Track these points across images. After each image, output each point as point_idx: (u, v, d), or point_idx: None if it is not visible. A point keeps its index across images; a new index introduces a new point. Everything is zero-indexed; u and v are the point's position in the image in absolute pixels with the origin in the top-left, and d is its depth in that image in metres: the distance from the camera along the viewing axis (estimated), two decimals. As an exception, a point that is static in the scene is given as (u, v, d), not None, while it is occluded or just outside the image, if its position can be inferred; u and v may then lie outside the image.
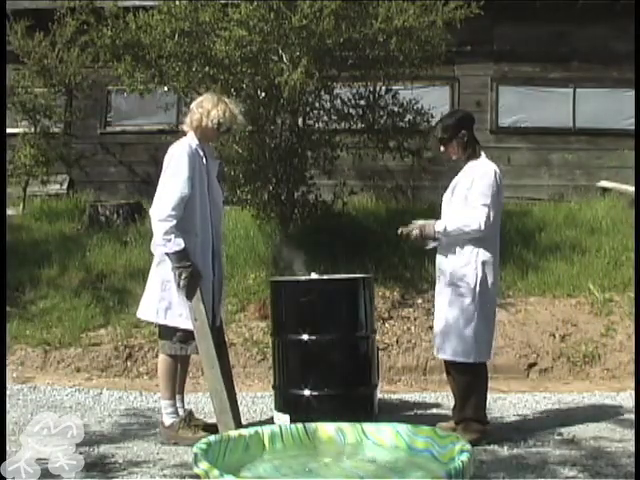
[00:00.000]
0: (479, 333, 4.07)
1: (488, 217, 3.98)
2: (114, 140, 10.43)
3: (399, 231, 4.16)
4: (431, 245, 4.21)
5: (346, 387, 4.11)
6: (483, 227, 3.97)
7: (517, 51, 9.74)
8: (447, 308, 4.10)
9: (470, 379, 4.12)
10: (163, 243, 3.98)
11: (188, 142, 4.14)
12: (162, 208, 3.99)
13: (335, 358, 4.12)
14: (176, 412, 4.21)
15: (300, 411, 4.00)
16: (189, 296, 4.01)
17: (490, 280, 4.09)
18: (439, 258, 4.21)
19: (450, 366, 4.21)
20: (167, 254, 4.00)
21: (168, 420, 4.17)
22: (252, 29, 6.50)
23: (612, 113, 9.76)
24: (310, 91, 7.03)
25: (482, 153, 4.19)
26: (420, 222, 4.13)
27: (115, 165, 10.37)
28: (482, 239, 4.05)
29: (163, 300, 4.12)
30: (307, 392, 4.08)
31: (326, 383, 4.08)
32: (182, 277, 3.97)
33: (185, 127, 4.25)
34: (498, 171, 4.10)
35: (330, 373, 4.11)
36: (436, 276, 4.28)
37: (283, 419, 4.09)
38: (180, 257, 3.97)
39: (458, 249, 4.08)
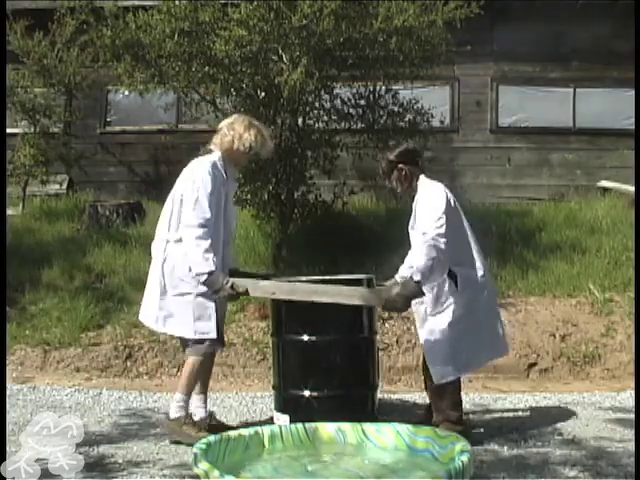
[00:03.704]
0: (464, 350, 4.08)
1: (440, 236, 3.88)
2: (114, 140, 10.43)
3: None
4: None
5: (346, 388, 4.08)
6: (443, 247, 3.87)
7: (517, 51, 9.74)
8: (434, 335, 4.08)
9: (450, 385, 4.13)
10: (200, 263, 3.90)
11: (215, 160, 4.11)
12: (198, 221, 3.93)
13: (335, 359, 4.10)
14: (185, 408, 4.16)
15: (300, 412, 3.97)
16: (244, 294, 3.99)
17: (470, 293, 4.07)
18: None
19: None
20: (204, 280, 3.93)
21: (175, 413, 4.12)
22: (252, 29, 6.49)
23: (612, 113, 9.77)
24: (310, 91, 7.03)
25: (423, 178, 4.17)
26: (393, 287, 4.01)
27: (115, 165, 10.38)
28: (452, 257, 4.00)
29: (162, 309, 4.11)
30: (307, 393, 4.06)
31: (326, 384, 4.06)
32: (223, 296, 3.99)
33: (213, 147, 4.20)
34: (442, 192, 4.04)
35: (330, 374, 4.08)
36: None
37: (283, 420, 4.06)
38: (217, 278, 3.91)
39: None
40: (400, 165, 4.17)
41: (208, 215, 3.94)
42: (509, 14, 9.32)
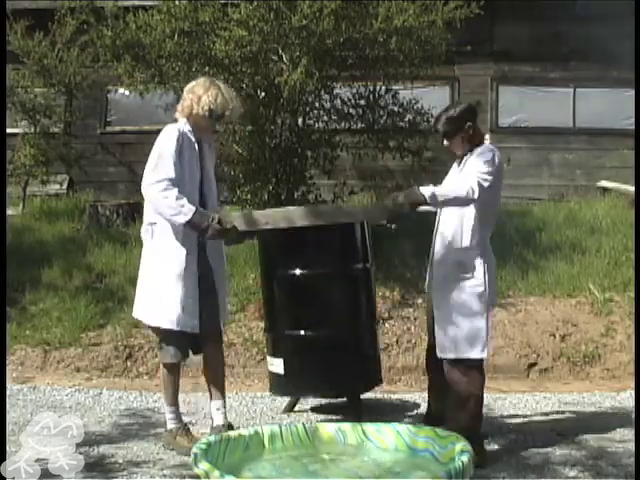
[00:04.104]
0: (482, 325, 3.79)
1: (481, 186, 3.61)
2: (114, 140, 10.43)
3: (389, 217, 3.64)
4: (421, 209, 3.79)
5: (343, 325, 3.73)
6: (476, 194, 3.59)
7: (517, 51, 9.74)
8: (454, 300, 3.77)
9: (470, 380, 3.78)
10: (178, 211, 3.68)
11: (179, 127, 3.91)
12: (160, 177, 3.72)
13: (330, 294, 3.74)
14: (177, 418, 4.05)
15: (295, 354, 3.66)
16: (232, 231, 3.75)
17: (492, 268, 3.86)
18: (437, 247, 3.89)
19: (449, 367, 3.83)
20: (188, 222, 3.69)
21: (168, 425, 4.04)
22: (252, 29, 6.50)
23: (612, 113, 9.77)
24: (310, 91, 7.03)
25: (486, 142, 3.97)
26: (395, 196, 3.67)
27: (115, 165, 10.38)
28: (482, 221, 3.78)
29: (149, 297, 3.95)
30: (302, 332, 3.73)
31: (321, 322, 3.70)
32: (212, 235, 3.72)
33: (177, 114, 4.01)
34: (498, 153, 3.83)
35: (325, 310, 3.72)
36: (430, 268, 3.97)
37: (277, 364, 3.71)
38: (201, 216, 3.70)
39: (458, 234, 3.79)
40: (469, 123, 3.86)
41: (171, 174, 3.73)
42: (509, 14, 9.32)
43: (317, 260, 3.67)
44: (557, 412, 4.91)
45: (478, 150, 3.84)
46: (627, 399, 5.18)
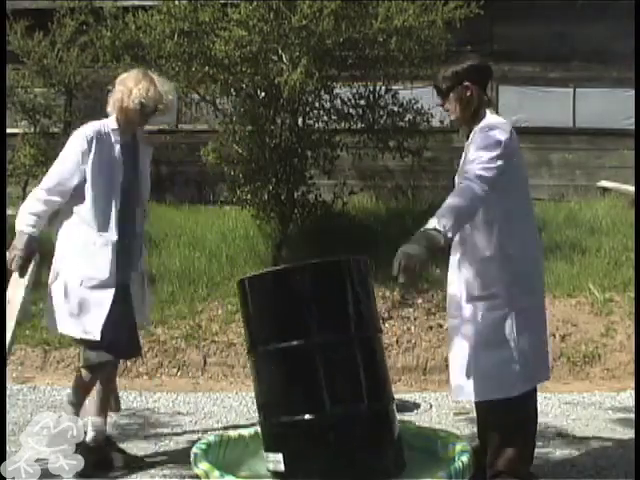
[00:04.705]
0: (515, 357, 3.03)
1: (485, 178, 2.84)
2: (114, 140, 10.43)
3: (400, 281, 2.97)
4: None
5: (355, 404, 2.85)
6: (484, 189, 2.82)
7: (517, 51, 9.74)
8: (468, 331, 3.08)
9: (508, 420, 3.04)
10: (20, 219, 3.65)
11: (101, 123, 3.71)
12: (44, 185, 3.66)
13: (337, 367, 2.89)
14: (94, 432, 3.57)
15: (298, 445, 2.83)
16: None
17: (525, 282, 3.14)
18: (451, 262, 3.24)
19: (480, 408, 3.20)
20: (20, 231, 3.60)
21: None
22: (252, 29, 6.50)
23: (612, 113, 9.77)
24: (310, 91, 7.03)
25: (488, 112, 3.19)
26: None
27: (115, 165, 10.38)
28: (503, 218, 3.03)
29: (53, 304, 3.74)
30: (306, 416, 2.81)
31: (328, 402, 2.83)
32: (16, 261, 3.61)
33: (108, 108, 3.76)
34: (504, 128, 3.08)
35: (333, 388, 2.86)
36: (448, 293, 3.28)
37: (276, 460, 2.85)
38: (20, 239, 3.62)
39: (476, 241, 3.07)
40: (466, 83, 3.15)
41: (53, 184, 3.63)
42: (509, 14, 9.31)
43: (316, 328, 2.90)
44: (557, 412, 4.91)
45: (476, 130, 3.10)
46: (627, 399, 5.17)
